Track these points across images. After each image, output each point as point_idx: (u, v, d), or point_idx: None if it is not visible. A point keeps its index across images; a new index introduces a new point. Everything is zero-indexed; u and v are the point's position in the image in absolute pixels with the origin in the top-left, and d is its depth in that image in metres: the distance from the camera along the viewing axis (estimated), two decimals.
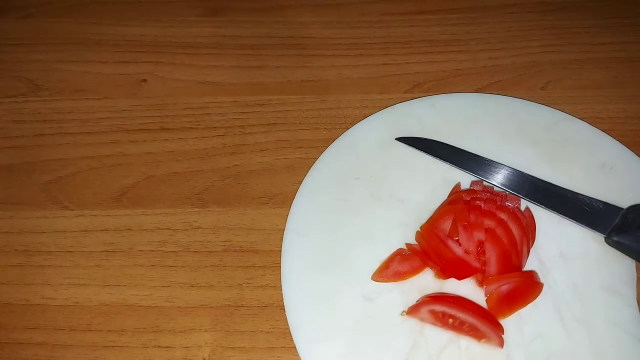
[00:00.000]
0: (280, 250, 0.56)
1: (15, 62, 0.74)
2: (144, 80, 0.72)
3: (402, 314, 0.53)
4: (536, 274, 0.54)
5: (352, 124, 0.65)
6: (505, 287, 0.52)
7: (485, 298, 0.53)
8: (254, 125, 0.67)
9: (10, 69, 0.73)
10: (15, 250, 0.59)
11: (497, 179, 0.58)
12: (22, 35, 0.76)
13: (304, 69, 0.72)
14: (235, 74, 0.72)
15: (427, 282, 0.54)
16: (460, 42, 0.74)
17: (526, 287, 0.53)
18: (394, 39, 0.75)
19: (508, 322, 0.52)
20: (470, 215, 0.53)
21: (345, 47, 0.74)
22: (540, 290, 0.53)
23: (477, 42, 0.74)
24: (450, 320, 0.51)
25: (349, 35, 0.75)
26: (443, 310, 0.51)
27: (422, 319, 0.52)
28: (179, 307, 0.55)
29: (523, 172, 0.59)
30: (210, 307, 0.55)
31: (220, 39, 0.75)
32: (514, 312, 0.52)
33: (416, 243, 0.55)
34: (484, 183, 0.58)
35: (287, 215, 0.58)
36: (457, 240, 0.53)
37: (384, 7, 0.78)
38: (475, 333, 0.51)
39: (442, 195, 0.59)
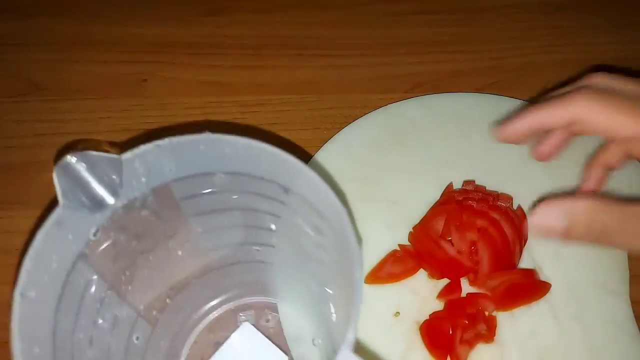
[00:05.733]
0: None
1: (15, 62, 0.74)
2: (145, 80, 0.72)
3: (395, 315, 0.53)
4: (537, 272, 0.55)
5: None
6: (513, 282, 0.53)
7: (491, 288, 0.53)
8: (254, 125, 0.67)
9: (10, 68, 0.73)
10: (16, 250, 0.59)
11: None
12: (22, 35, 0.76)
13: (305, 69, 0.72)
14: (236, 74, 0.72)
15: (420, 282, 0.55)
16: (460, 42, 0.74)
17: (533, 285, 0.54)
18: (394, 39, 0.74)
19: (502, 320, 0.53)
20: (463, 215, 0.53)
21: (345, 47, 0.74)
22: (547, 291, 0.54)
23: (477, 42, 0.74)
24: None
25: (349, 35, 0.75)
26: None
27: None
28: None
29: None
30: None
31: (220, 38, 0.75)
32: (517, 307, 0.53)
33: (409, 244, 0.55)
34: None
35: None
36: (450, 241, 0.53)
37: (384, 8, 0.77)
38: None
39: (434, 196, 0.59)
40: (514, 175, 0.60)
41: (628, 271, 0.56)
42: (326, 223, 0.36)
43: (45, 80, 0.72)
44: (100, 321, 0.39)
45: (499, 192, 0.58)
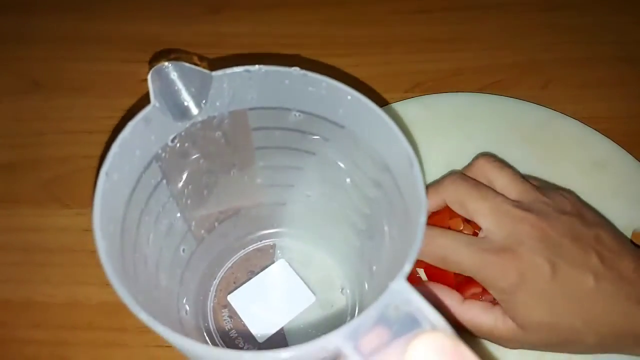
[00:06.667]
0: None
1: (15, 60, 0.73)
2: (144, 79, 0.70)
3: None
4: None
5: None
6: None
7: None
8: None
9: (11, 66, 0.72)
10: (16, 248, 0.58)
11: None
12: (22, 33, 0.75)
13: (304, 68, 0.69)
14: None
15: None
16: (461, 41, 0.74)
17: None
18: (395, 38, 0.74)
19: None
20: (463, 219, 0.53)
21: (345, 46, 0.74)
22: None
23: (478, 41, 0.74)
24: None
25: (349, 34, 0.75)
26: None
27: None
28: None
29: None
30: None
31: (220, 37, 0.75)
32: None
33: None
34: None
35: None
36: None
37: (385, 6, 0.78)
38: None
39: None
40: None
41: None
42: (389, 175, 0.39)
43: (46, 78, 0.71)
44: (159, 224, 0.41)
45: None
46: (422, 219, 0.33)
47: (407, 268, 0.31)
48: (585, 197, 0.55)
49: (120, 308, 0.53)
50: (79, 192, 0.62)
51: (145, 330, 0.52)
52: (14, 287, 0.56)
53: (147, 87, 0.67)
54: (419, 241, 0.32)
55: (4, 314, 0.55)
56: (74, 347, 0.53)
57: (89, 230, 0.57)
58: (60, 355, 0.53)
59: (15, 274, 0.57)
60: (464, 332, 0.47)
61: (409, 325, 0.29)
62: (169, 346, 0.52)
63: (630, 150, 0.62)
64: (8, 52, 0.73)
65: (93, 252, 0.56)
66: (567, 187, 0.57)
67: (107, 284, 0.54)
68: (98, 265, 0.55)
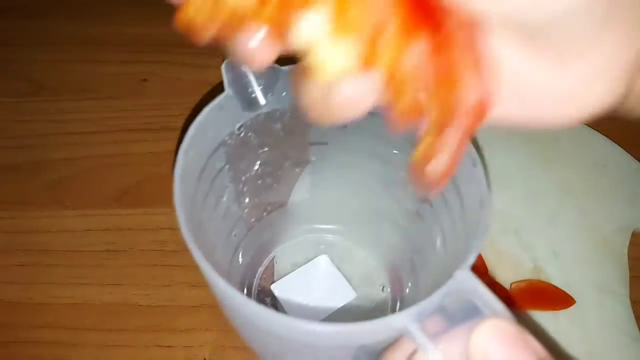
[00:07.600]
0: None
1: (18, 62, 0.74)
2: (145, 79, 0.72)
3: None
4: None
5: None
6: (539, 286, 0.54)
7: (512, 286, 0.54)
8: None
9: (14, 68, 0.73)
10: (19, 249, 0.59)
11: None
12: (25, 36, 0.77)
13: None
14: None
15: None
16: None
17: (558, 296, 0.54)
18: None
19: None
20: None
21: None
22: (570, 304, 0.54)
23: None
24: None
25: None
26: None
27: None
28: (180, 306, 0.54)
29: None
30: (212, 306, 0.54)
31: None
32: (534, 309, 0.53)
33: None
34: None
35: None
36: None
37: None
38: None
39: None
40: (513, 176, 0.61)
41: (628, 272, 0.55)
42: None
43: (48, 80, 0.72)
44: (218, 207, 0.43)
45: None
46: (486, 216, 0.34)
47: (472, 259, 0.32)
48: (585, 197, 0.57)
49: (120, 308, 0.56)
50: (83, 194, 0.62)
51: (144, 330, 0.54)
52: (17, 288, 0.56)
53: (148, 88, 0.72)
54: (484, 235, 0.34)
55: (7, 315, 0.55)
56: (75, 348, 0.53)
57: (90, 230, 0.61)
58: (62, 355, 0.53)
59: (18, 276, 0.57)
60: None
61: (471, 312, 0.30)
62: (169, 346, 0.52)
63: (630, 150, 0.63)
64: (12, 54, 0.75)
65: (95, 253, 0.59)
66: (567, 187, 0.59)
67: (107, 285, 0.57)
68: (100, 266, 0.59)
